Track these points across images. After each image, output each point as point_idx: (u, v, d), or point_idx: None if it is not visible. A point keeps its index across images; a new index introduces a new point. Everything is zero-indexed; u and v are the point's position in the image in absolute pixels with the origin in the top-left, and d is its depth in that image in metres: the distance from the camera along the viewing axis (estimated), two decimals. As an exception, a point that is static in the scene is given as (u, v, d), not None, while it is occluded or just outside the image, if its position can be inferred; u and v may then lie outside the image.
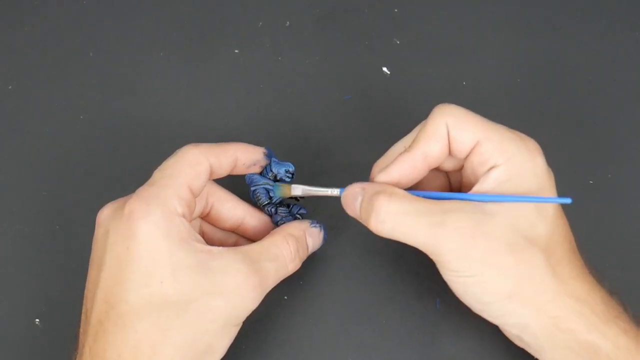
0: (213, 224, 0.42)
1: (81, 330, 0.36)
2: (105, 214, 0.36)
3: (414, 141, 0.36)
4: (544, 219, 0.35)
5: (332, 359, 0.42)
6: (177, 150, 0.38)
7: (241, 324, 0.37)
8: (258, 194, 0.41)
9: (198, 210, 0.40)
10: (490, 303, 0.35)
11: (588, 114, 0.49)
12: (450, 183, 0.41)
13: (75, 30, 0.52)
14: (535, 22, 0.52)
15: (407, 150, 0.36)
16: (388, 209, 0.34)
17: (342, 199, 0.38)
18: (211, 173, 0.38)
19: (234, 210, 0.41)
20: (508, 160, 0.35)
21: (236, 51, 0.51)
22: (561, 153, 0.47)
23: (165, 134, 0.48)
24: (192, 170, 0.36)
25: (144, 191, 0.35)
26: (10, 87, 0.50)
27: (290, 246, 0.38)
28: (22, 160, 0.48)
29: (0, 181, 0.47)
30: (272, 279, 0.37)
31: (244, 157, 0.39)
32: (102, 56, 0.51)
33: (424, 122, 0.37)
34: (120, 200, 0.37)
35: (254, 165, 0.40)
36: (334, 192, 0.39)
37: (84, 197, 0.47)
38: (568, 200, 0.34)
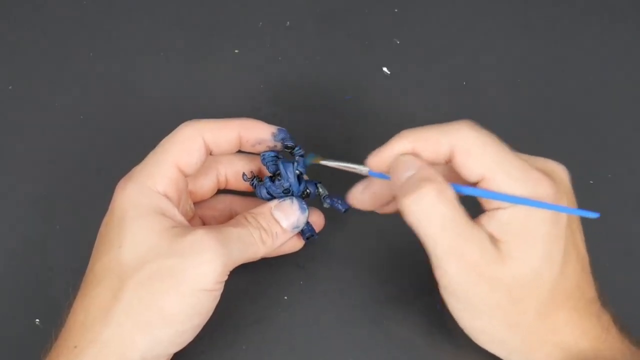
0: (237, 189, 0.41)
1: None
2: None
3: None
4: (548, 273, 0.33)
5: (332, 359, 0.42)
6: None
7: (207, 295, 0.34)
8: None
9: (207, 186, 0.40)
10: (479, 340, 0.36)
11: (588, 114, 0.49)
12: None
13: (75, 30, 0.52)
14: (535, 22, 0.52)
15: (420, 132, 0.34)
16: (430, 201, 0.32)
17: (393, 164, 0.35)
18: (210, 150, 0.38)
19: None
20: (512, 205, 0.33)
21: (236, 51, 0.51)
22: (561, 153, 0.47)
23: (165, 133, 0.48)
24: (182, 147, 0.36)
25: (134, 169, 0.37)
26: (10, 87, 0.50)
27: (263, 225, 0.37)
28: (22, 160, 0.48)
29: (0, 181, 0.47)
30: (238, 255, 0.35)
31: (247, 134, 0.38)
32: (102, 56, 0.51)
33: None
34: None
35: (259, 144, 0.38)
36: (362, 170, 0.36)
37: (84, 197, 0.47)
38: (594, 215, 0.32)
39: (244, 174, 0.40)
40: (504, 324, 0.34)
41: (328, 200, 0.41)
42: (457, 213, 0.32)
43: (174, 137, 0.37)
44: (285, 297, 0.43)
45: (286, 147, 0.39)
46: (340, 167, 0.37)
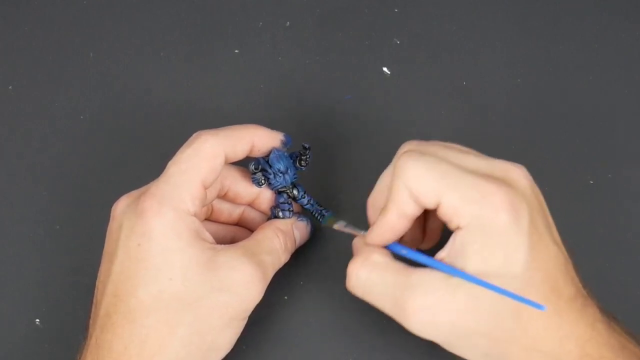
0: (231, 201, 0.42)
1: (90, 320, 0.37)
2: (119, 207, 0.37)
3: (386, 203, 0.35)
4: (513, 278, 0.33)
5: (332, 359, 0.42)
6: (192, 139, 0.37)
7: (247, 318, 0.37)
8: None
9: (211, 197, 0.40)
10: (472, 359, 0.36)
11: (588, 114, 0.49)
12: None
13: (75, 30, 0.52)
14: (535, 22, 0.52)
15: (382, 213, 0.36)
16: (358, 276, 0.35)
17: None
18: (225, 161, 0.38)
19: (250, 188, 0.41)
20: (470, 222, 0.33)
21: (236, 51, 0.51)
22: (561, 153, 0.48)
23: (165, 133, 0.48)
24: (208, 165, 0.36)
25: (158, 189, 0.35)
26: (10, 87, 0.50)
27: (281, 238, 0.39)
28: (22, 160, 0.48)
29: (1, 181, 0.47)
30: (271, 271, 0.38)
31: (260, 143, 0.39)
32: (102, 56, 0.51)
33: (393, 163, 0.36)
34: (134, 194, 0.37)
35: (269, 151, 0.40)
36: (361, 233, 0.38)
37: (84, 197, 0.47)
38: (541, 308, 0.32)
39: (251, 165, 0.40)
40: (483, 344, 0.34)
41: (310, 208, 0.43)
42: (386, 271, 0.35)
43: (200, 152, 0.36)
44: (285, 297, 0.43)
45: (301, 155, 0.41)
46: (348, 231, 0.40)
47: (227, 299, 0.35)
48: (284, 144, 0.40)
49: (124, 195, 0.37)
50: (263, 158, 0.40)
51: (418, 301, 0.33)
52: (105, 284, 0.35)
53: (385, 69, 0.50)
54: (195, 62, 0.51)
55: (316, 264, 0.44)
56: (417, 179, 0.34)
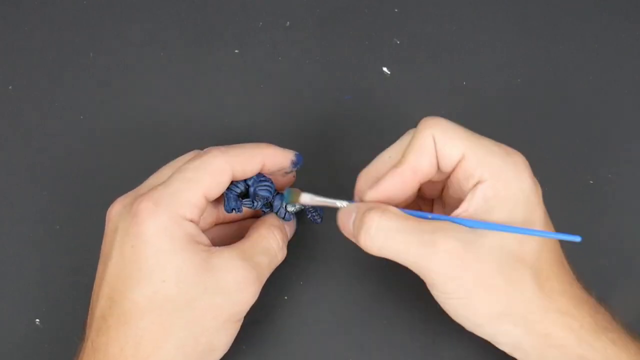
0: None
1: (87, 323, 0.37)
2: (115, 210, 0.37)
3: (402, 156, 0.36)
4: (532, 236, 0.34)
5: (332, 359, 0.42)
6: (203, 153, 0.37)
7: (242, 320, 0.37)
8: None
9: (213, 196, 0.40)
10: (481, 324, 0.35)
11: (588, 114, 0.49)
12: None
13: (75, 30, 0.52)
14: (535, 22, 0.52)
15: (396, 166, 0.36)
16: (379, 225, 0.34)
17: (337, 219, 0.38)
18: (233, 178, 0.38)
19: None
20: (493, 175, 0.34)
21: (236, 51, 0.51)
22: (561, 153, 0.48)
23: (165, 134, 0.48)
24: (213, 179, 0.36)
25: (156, 191, 0.35)
26: (10, 87, 0.50)
27: (277, 236, 0.39)
28: (23, 160, 0.48)
29: (1, 181, 0.47)
30: (267, 271, 0.38)
31: (271, 164, 0.39)
32: (102, 56, 0.51)
33: (409, 132, 0.37)
34: (130, 195, 0.37)
35: (278, 171, 0.40)
36: (342, 203, 0.38)
37: (83, 197, 0.47)
38: (577, 238, 0.32)
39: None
40: (503, 300, 0.34)
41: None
42: (408, 220, 0.34)
43: (206, 167, 0.36)
44: (285, 297, 0.43)
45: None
46: (319, 203, 0.38)
47: (220, 301, 0.35)
48: (294, 163, 0.40)
49: (119, 198, 0.37)
50: (245, 181, 0.39)
51: (449, 243, 0.33)
52: (101, 286, 0.35)
53: (385, 69, 0.50)
54: (195, 62, 0.51)
55: (316, 264, 0.44)
56: (446, 130, 0.35)
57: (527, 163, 0.35)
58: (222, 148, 0.37)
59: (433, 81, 0.50)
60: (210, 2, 0.52)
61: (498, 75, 0.50)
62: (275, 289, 0.41)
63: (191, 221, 0.36)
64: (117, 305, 0.34)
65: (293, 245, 0.41)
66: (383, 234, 0.34)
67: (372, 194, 0.36)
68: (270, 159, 0.39)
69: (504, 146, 0.35)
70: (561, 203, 0.45)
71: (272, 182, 0.39)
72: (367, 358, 0.42)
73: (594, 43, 0.51)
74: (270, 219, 0.40)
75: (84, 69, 0.51)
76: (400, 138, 0.38)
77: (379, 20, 0.52)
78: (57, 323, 0.43)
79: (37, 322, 0.43)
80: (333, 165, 0.47)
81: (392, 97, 0.49)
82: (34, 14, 0.52)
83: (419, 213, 0.35)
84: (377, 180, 0.36)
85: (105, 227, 0.37)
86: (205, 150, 0.38)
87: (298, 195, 0.39)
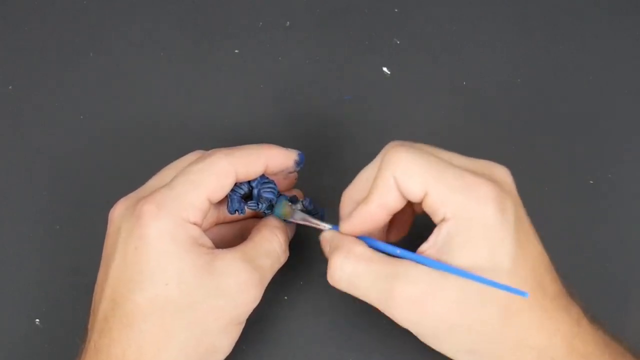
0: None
1: (89, 324, 0.36)
2: (118, 211, 0.37)
3: (369, 193, 0.35)
4: (499, 271, 0.33)
5: (332, 359, 0.42)
6: (207, 154, 0.37)
7: (244, 322, 0.37)
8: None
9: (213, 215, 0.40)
10: (454, 357, 0.35)
11: (588, 114, 0.49)
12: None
13: (75, 30, 0.52)
14: (535, 22, 0.52)
15: (364, 202, 0.35)
16: (342, 269, 0.35)
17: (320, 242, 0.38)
18: (236, 180, 0.38)
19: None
20: (455, 214, 0.33)
21: (236, 51, 0.51)
22: (561, 153, 0.48)
23: (165, 133, 0.48)
24: (217, 182, 0.36)
25: (159, 193, 0.35)
26: (10, 87, 0.50)
27: (280, 238, 0.39)
28: (23, 160, 0.48)
29: (1, 181, 0.47)
30: (269, 274, 0.38)
31: (274, 165, 0.39)
32: (102, 56, 0.51)
33: (382, 152, 0.36)
34: (132, 197, 0.37)
35: (282, 172, 0.40)
36: (325, 226, 0.38)
37: (84, 197, 0.47)
38: (524, 295, 0.32)
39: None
40: (469, 339, 0.34)
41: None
42: (371, 263, 0.34)
43: (210, 170, 0.36)
44: (285, 297, 0.43)
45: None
46: (307, 224, 0.39)
47: (223, 304, 0.35)
48: (297, 163, 0.40)
49: (121, 199, 0.37)
50: (248, 183, 0.39)
51: (406, 291, 0.33)
52: (103, 288, 0.35)
53: (385, 69, 0.50)
54: (196, 62, 0.51)
55: (316, 264, 0.44)
56: (406, 168, 0.34)
57: (493, 194, 0.33)
58: (226, 150, 0.37)
59: (433, 81, 0.50)
60: (210, 2, 0.52)
61: (498, 75, 0.50)
62: (276, 289, 0.41)
63: (194, 224, 0.36)
64: (119, 307, 0.34)
65: (293, 246, 0.41)
66: (345, 277, 0.35)
67: (345, 227, 0.36)
68: (274, 160, 0.38)
69: (468, 177, 0.34)
70: (561, 203, 0.46)
71: (275, 184, 0.39)
72: (366, 358, 0.42)
73: (594, 43, 0.51)
74: (273, 221, 0.39)
75: (84, 69, 0.51)
76: (377, 156, 0.37)
77: (379, 20, 0.52)
78: (57, 323, 0.43)
79: (37, 322, 0.43)
80: (333, 165, 0.47)
81: (392, 97, 0.49)
82: (34, 14, 0.52)
83: (389, 247, 0.35)
84: (357, 203, 0.36)
85: (108, 228, 0.37)
86: (208, 152, 0.38)
87: (289, 211, 0.39)
